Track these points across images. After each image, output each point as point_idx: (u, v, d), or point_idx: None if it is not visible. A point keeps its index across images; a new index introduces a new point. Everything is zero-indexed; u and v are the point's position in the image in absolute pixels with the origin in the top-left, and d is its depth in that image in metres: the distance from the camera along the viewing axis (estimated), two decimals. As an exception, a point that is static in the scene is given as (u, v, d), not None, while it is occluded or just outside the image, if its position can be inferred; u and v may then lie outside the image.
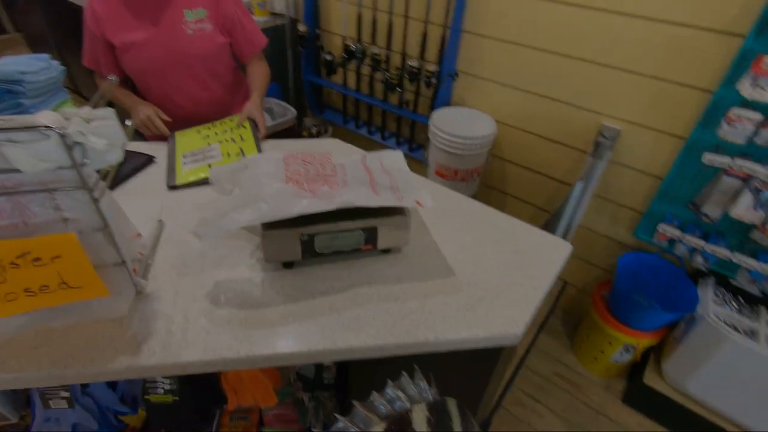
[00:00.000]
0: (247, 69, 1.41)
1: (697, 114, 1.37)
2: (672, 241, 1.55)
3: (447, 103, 1.93)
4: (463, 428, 0.47)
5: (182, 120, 1.28)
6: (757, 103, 1.18)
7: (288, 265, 0.82)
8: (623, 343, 1.66)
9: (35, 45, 3.32)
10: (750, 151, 1.29)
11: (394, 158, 0.90)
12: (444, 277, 0.82)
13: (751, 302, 1.54)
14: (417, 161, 2.17)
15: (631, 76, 1.46)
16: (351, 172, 0.82)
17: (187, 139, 1.17)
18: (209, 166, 1.06)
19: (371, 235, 0.81)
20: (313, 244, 0.79)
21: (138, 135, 1.36)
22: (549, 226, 1.65)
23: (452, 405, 0.49)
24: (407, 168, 0.87)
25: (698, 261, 1.50)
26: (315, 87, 2.42)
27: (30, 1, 2.85)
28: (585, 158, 1.67)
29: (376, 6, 1.90)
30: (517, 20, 1.61)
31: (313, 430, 1.03)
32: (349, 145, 1.24)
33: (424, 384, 0.50)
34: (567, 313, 2.10)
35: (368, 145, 2.47)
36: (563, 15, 1.50)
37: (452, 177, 1.82)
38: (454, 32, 1.72)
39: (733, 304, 1.54)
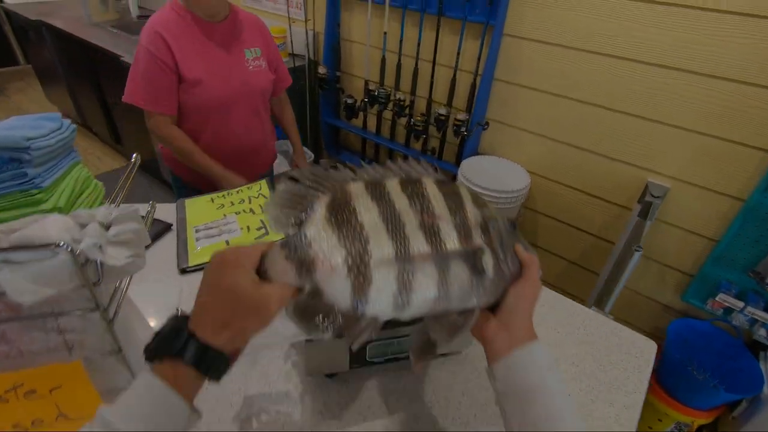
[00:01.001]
0: (274, 108, 1.51)
1: (757, 175, 1.27)
2: (728, 310, 1.41)
3: (475, 151, 1.84)
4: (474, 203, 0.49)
5: (234, 150, 1.34)
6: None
7: (331, 375, 0.69)
8: (675, 421, 1.50)
9: (45, 77, 3.27)
10: (824, 219, 1.18)
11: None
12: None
13: (820, 380, 1.39)
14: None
15: (680, 132, 1.36)
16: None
17: (198, 209, 1.03)
18: (227, 243, 0.92)
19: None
20: (364, 352, 0.66)
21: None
22: (603, 294, 1.52)
23: (463, 188, 0.51)
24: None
25: (760, 333, 1.36)
26: (333, 128, 2.34)
27: (41, 33, 2.80)
28: (626, 214, 1.55)
29: (402, 51, 1.83)
30: (556, 71, 1.53)
31: None
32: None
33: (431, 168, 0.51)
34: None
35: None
36: (606, 66, 1.42)
37: (482, 231, 1.70)
38: (485, 80, 1.64)
39: (801, 381, 1.39)
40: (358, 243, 0.43)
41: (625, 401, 0.69)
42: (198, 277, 0.86)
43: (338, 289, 0.42)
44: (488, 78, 1.64)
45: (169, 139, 1.25)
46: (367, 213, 0.45)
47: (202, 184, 1.34)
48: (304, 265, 0.42)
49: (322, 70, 2.06)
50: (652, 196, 1.42)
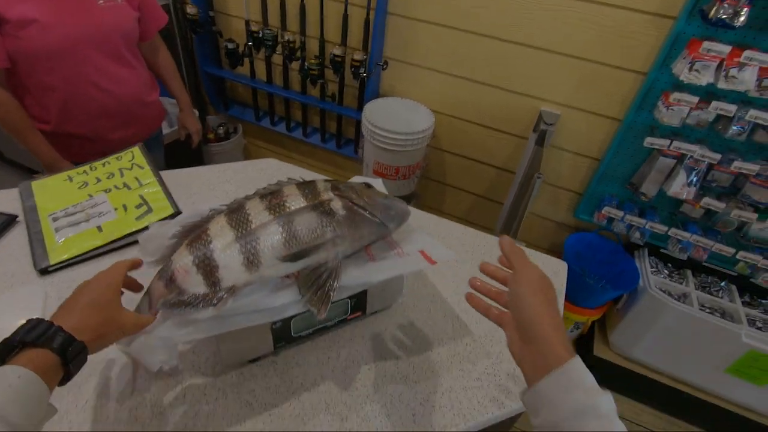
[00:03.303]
0: (147, 55, 1.28)
1: (632, 96, 1.39)
2: (611, 219, 1.60)
3: (376, 93, 1.76)
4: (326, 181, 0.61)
5: (103, 108, 1.12)
6: (692, 85, 1.21)
7: (255, 359, 0.62)
8: (573, 322, 1.72)
9: None
10: (683, 131, 1.34)
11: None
12: (453, 335, 0.69)
13: (678, 267, 1.67)
14: (351, 159, 1.98)
15: (565, 59, 1.42)
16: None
17: (52, 192, 0.81)
18: (99, 229, 0.76)
19: (360, 302, 0.64)
20: (288, 329, 0.59)
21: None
22: (509, 222, 1.61)
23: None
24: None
25: (636, 236, 1.57)
26: (215, 79, 2.06)
27: None
28: (524, 144, 1.63)
29: (283, -17, 1.62)
30: (449, 2, 1.47)
31: None
32: (290, 166, 1.01)
33: None
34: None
35: (291, 144, 2.21)
36: (497, -4, 1.40)
37: (393, 176, 1.68)
38: (379, 14, 1.53)
39: (665, 271, 1.65)
40: (203, 246, 0.53)
41: (547, 323, 0.73)
42: (66, 276, 0.70)
43: (194, 283, 0.52)
44: (382, 11, 1.53)
45: None
46: (215, 224, 0.55)
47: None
48: (170, 278, 0.53)
49: (191, 10, 1.75)
50: (546, 123, 1.50)
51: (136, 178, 0.86)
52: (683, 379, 1.64)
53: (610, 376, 1.75)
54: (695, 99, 1.21)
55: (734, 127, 1.22)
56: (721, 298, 1.55)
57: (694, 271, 1.65)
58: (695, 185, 1.35)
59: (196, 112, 1.84)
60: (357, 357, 0.64)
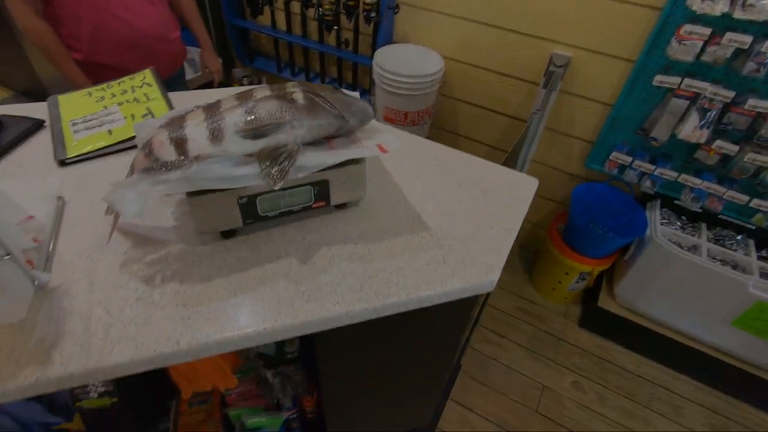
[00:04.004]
0: None
1: (646, 34, 1.33)
2: (622, 168, 1.56)
3: (389, 40, 1.78)
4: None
5: (127, 41, 1.22)
6: (706, 16, 1.15)
7: (228, 234, 0.70)
8: (579, 272, 1.72)
9: None
10: (696, 69, 1.28)
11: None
12: (412, 230, 0.74)
13: (693, 219, 1.61)
14: (363, 107, 2.03)
15: (579, -3, 1.38)
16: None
17: (74, 104, 0.94)
18: (109, 132, 0.86)
19: (323, 190, 0.70)
20: (255, 206, 0.66)
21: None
22: (508, 163, 1.61)
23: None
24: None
25: (646, 185, 1.54)
26: (241, 31, 2.14)
27: None
28: (536, 91, 1.61)
29: (299, -72, 1.65)
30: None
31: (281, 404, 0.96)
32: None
33: None
34: (524, 248, 2.14)
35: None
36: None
37: (402, 121, 1.71)
38: (390, -44, 1.54)
39: (678, 223, 1.61)
40: (178, 126, 0.61)
41: (505, 225, 0.76)
42: (79, 168, 0.82)
43: (167, 153, 0.60)
44: (393, -47, 1.54)
45: (32, 34, 1.10)
46: (193, 112, 0.63)
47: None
48: (149, 150, 0.61)
49: (214, -42, 1.83)
50: (555, 65, 1.47)
51: (145, 95, 0.96)
52: (687, 332, 1.62)
53: (613, 327, 1.75)
54: (708, 30, 1.16)
55: (751, 63, 1.16)
56: (735, 251, 1.50)
57: (710, 225, 1.60)
58: (708, 128, 1.30)
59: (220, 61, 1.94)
60: (320, 242, 0.71)
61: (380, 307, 0.63)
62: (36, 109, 0.93)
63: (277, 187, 0.59)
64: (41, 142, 0.87)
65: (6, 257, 0.53)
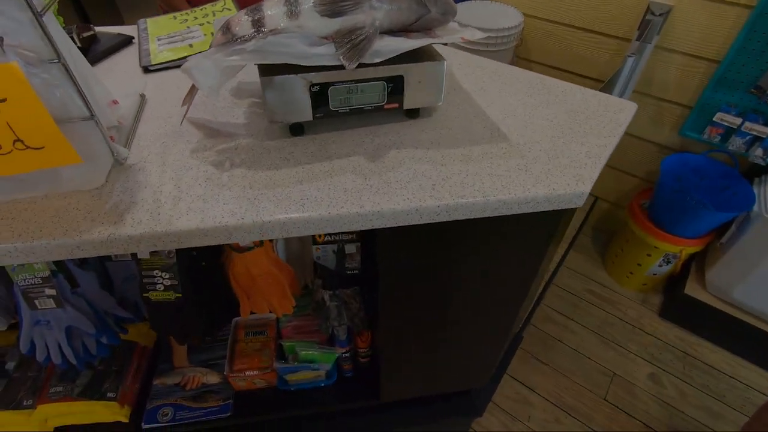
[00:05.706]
0: None
1: (770, -27, 1.15)
2: (726, 135, 1.37)
3: (466, -3, 1.70)
4: None
5: None
6: None
7: (297, 130, 0.68)
8: (664, 253, 1.54)
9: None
10: (837, 9, 1.08)
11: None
12: (490, 140, 0.68)
13: (813, 199, 1.38)
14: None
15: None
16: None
17: (161, 24, 0.99)
18: (190, 46, 0.89)
19: (397, 88, 0.66)
20: (326, 97, 0.64)
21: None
22: None
23: None
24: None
25: (757, 154, 1.33)
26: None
27: None
28: (625, 49, 1.46)
29: None
30: None
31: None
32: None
33: None
34: (597, 230, 1.97)
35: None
36: None
37: (473, 81, 1.63)
38: None
39: (793, 201, 1.38)
40: (257, 6, 0.60)
41: (598, 142, 0.67)
42: (162, 74, 0.85)
43: (244, 28, 0.59)
44: None
45: None
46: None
47: None
48: (227, 27, 0.61)
49: None
50: (653, 14, 1.32)
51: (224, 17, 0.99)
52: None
53: (701, 319, 1.55)
54: None
55: None
56: None
57: (836, 206, 1.35)
58: None
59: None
60: (390, 144, 0.67)
61: (453, 205, 0.57)
62: (127, 30, 0.99)
63: (351, 67, 0.55)
64: (130, 54, 0.92)
65: (89, 118, 0.55)
